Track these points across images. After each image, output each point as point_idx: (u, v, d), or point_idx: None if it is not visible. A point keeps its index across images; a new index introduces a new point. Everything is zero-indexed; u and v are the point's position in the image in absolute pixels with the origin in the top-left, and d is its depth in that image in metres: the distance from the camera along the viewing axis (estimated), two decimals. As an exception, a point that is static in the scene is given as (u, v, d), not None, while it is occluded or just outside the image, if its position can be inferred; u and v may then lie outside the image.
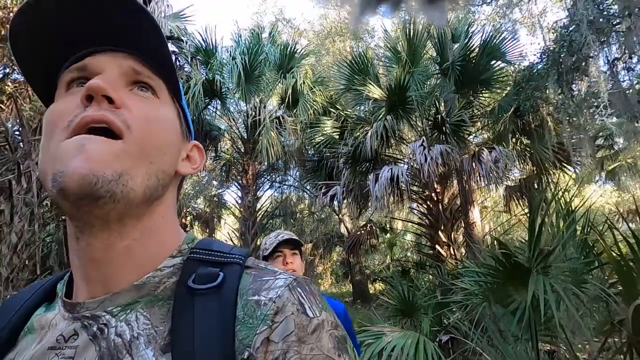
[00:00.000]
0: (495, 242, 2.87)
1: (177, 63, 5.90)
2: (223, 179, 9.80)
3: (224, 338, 0.36)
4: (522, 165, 6.34)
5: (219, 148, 8.67)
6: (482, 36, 6.09)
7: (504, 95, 5.93)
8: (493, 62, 5.93)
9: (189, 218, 11.74)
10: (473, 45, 5.93)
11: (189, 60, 6.06)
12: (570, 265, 2.13)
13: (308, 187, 9.89)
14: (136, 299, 0.41)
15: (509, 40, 6.07)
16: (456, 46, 5.97)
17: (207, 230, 11.88)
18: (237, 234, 8.52)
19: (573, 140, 5.10)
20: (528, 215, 4.25)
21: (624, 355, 1.75)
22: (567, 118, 4.69)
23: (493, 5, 7.60)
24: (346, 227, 12.55)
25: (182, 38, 5.51)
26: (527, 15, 11.54)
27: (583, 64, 4.14)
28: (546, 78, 4.51)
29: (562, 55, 4.06)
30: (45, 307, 0.46)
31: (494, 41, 5.98)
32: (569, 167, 5.93)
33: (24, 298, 0.48)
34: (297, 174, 9.39)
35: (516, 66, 6.25)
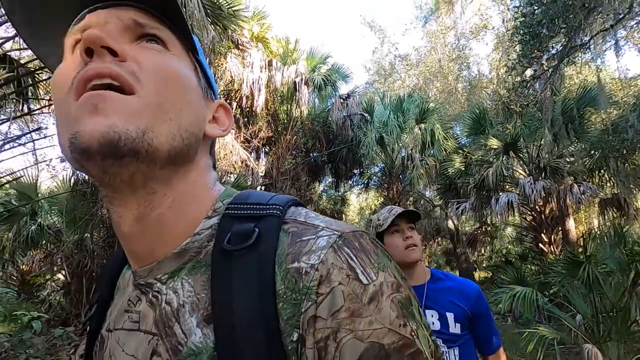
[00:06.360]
0: (567, 248, 5.59)
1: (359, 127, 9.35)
2: (363, 188, 13.54)
3: (265, 316, 0.33)
4: (611, 186, 8.39)
5: (363, 170, 12.24)
6: (575, 91, 8.28)
7: (595, 136, 8.09)
8: (584, 111, 8.08)
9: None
10: (569, 101, 8.16)
11: (360, 122, 9.53)
12: (608, 261, 4.76)
13: (427, 195, 13.01)
14: (180, 266, 0.40)
15: (595, 90, 8.13)
16: (555, 99, 8.26)
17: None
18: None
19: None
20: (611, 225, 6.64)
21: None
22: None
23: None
24: (453, 223, 15.25)
25: (365, 115, 9.00)
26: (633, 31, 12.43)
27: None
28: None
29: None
30: (129, 265, 0.46)
31: (586, 95, 8.12)
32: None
33: (119, 255, 0.50)
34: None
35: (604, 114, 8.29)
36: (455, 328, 1.34)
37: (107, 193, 0.39)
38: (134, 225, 0.39)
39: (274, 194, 0.44)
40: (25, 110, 3.18)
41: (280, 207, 0.40)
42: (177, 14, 0.40)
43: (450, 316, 1.35)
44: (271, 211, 0.39)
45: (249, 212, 0.40)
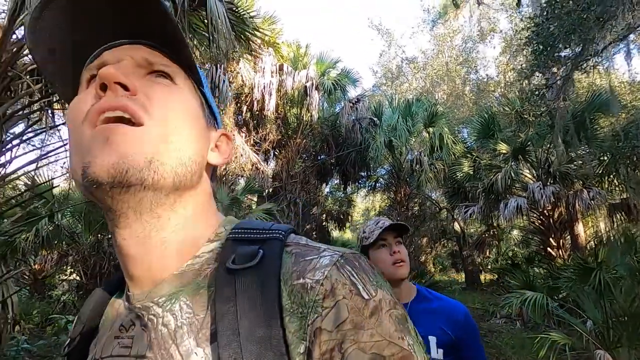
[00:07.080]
0: (577, 254, 5.64)
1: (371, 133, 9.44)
2: (370, 190, 13.63)
3: (272, 331, 0.34)
4: (620, 191, 8.40)
5: (371, 173, 12.33)
6: (585, 95, 8.29)
7: (605, 142, 8.09)
8: (595, 116, 8.08)
9: (323, 216, 15.85)
10: (579, 105, 8.17)
11: (369, 126, 9.61)
12: (619, 267, 4.81)
13: (432, 197, 13.09)
14: (179, 288, 0.41)
15: (605, 95, 8.12)
16: (565, 104, 8.27)
17: (339, 224, 15.82)
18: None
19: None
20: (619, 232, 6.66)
21: None
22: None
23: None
24: (460, 225, 15.30)
25: (374, 119, 9.08)
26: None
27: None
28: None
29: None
30: (118, 294, 0.48)
31: (596, 100, 8.13)
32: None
33: (111, 284, 0.51)
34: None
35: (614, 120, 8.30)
36: (437, 353, 1.22)
37: (113, 217, 0.40)
38: (138, 248, 0.41)
39: (274, 222, 0.47)
40: (47, 120, 3.30)
41: (283, 232, 0.42)
42: (186, 52, 0.43)
43: (432, 340, 1.23)
44: (274, 235, 0.42)
45: (252, 235, 0.42)
